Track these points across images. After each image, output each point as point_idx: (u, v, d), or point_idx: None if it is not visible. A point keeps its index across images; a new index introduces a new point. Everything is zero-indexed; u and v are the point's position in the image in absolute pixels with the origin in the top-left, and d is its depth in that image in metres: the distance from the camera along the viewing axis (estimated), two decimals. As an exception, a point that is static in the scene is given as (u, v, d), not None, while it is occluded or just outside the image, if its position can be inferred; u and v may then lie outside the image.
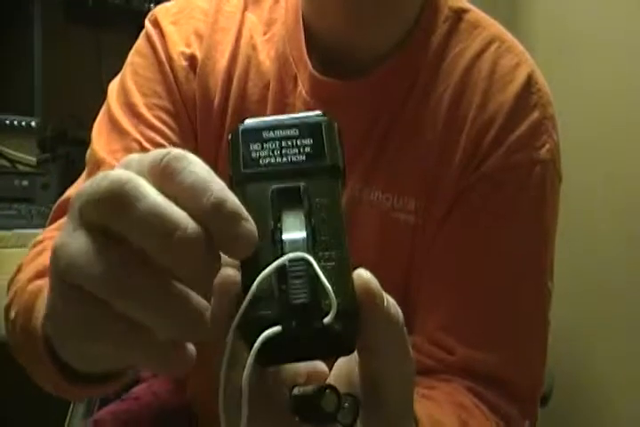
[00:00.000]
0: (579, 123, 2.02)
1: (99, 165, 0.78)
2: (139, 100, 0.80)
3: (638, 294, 1.96)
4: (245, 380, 0.37)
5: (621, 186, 2.01)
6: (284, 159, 0.41)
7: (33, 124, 1.85)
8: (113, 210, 0.35)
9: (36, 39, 1.86)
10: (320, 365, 0.45)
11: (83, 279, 0.36)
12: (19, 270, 0.73)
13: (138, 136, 0.78)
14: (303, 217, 0.39)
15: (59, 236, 0.38)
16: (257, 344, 0.36)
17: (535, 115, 0.79)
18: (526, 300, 0.79)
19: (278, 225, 0.39)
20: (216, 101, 0.81)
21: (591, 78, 2.09)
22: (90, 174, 0.80)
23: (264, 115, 0.77)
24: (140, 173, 0.37)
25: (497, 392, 0.75)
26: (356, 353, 0.42)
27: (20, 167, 1.94)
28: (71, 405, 1.26)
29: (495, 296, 0.77)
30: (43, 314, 0.42)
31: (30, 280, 0.67)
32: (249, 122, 0.43)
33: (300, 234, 0.38)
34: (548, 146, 0.79)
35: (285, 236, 0.38)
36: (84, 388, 0.58)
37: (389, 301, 0.40)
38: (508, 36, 0.84)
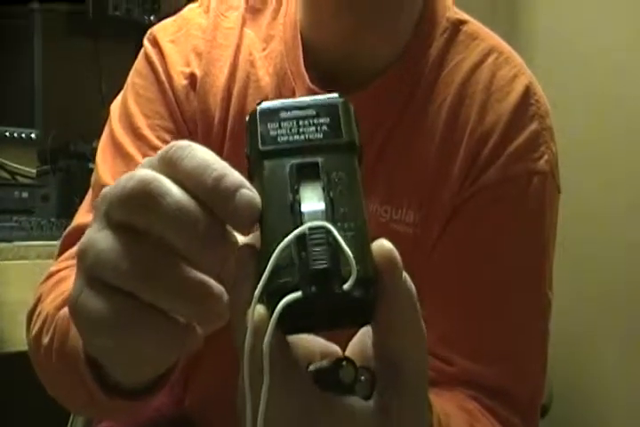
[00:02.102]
0: (578, 130, 2.02)
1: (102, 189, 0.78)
2: (141, 122, 0.81)
3: (639, 303, 1.96)
4: (267, 345, 0.37)
5: (621, 192, 2.02)
6: (302, 137, 0.41)
7: (33, 135, 1.86)
8: (140, 207, 0.38)
9: (37, 50, 1.87)
10: (333, 345, 0.45)
11: (111, 274, 0.39)
12: (39, 300, 0.73)
13: (142, 160, 0.79)
14: (321, 190, 0.40)
15: (85, 235, 0.41)
16: (278, 308, 0.36)
17: (533, 126, 0.79)
18: (526, 311, 0.79)
19: (297, 198, 0.39)
20: (216, 118, 0.81)
21: (591, 85, 2.09)
22: (95, 200, 0.80)
23: None
24: (152, 167, 0.41)
25: (498, 402, 0.74)
26: (370, 331, 0.42)
27: (20, 179, 1.94)
28: (71, 416, 1.26)
29: (494, 308, 0.77)
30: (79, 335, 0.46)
31: (58, 308, 0.67)
32: (267, 103, 0.43)
33: (319, 205, 0.39)
34: (546, 157, 0.79)
35: (304, 208, 0.39)
36: (124, 402, 0.58)
37: (406, 276, 0.40)
38: (506, 47, 0.84)
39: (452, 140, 0.78)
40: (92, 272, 0.40)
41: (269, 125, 0.42)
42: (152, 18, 1.96)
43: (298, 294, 0.37)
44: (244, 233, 0.40)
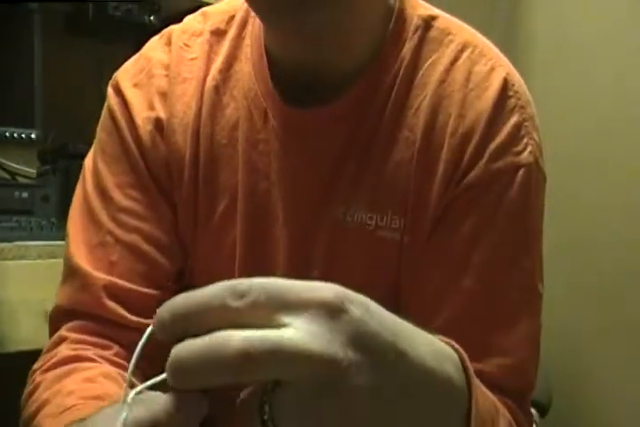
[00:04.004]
0: (577, 123, 2.02)
1: (74, 270, 0.80)
2: (109, 182, 0.82)
3: (637, 302, 1.96)
4: None
5: (620, 189, 2.02)
6: None
7: (33, 136, 1.86)
8: None
9: (37, 51, 1.86)
10: None
11: None
12: (23, 407, 0.75)
13: (111, 226, 0.81)
14: None
15: None
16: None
17: (514, 119, 0.79)
18: (516, 304, 0.79)
19: None
20: (187, 155, 0.82)
21: (591, 78, 2.09)
22: (66, 278, 0.82)
23: (235, 157, 0.80)
24: None
25: (497, 392, 0.74)
26: None
27: (20, 179, 1.94)
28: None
29: (485, 303, 0.77)
30: None
31: (34, 416, 0.69)
32: None
33: None
34: (529, 148, 0.79)
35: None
36: None
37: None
38: (480, 39, 0.84)
39: (434, 142, 0.78)
40: None
41: None
42: (152, 18, 1.96)
43: None
44: None
